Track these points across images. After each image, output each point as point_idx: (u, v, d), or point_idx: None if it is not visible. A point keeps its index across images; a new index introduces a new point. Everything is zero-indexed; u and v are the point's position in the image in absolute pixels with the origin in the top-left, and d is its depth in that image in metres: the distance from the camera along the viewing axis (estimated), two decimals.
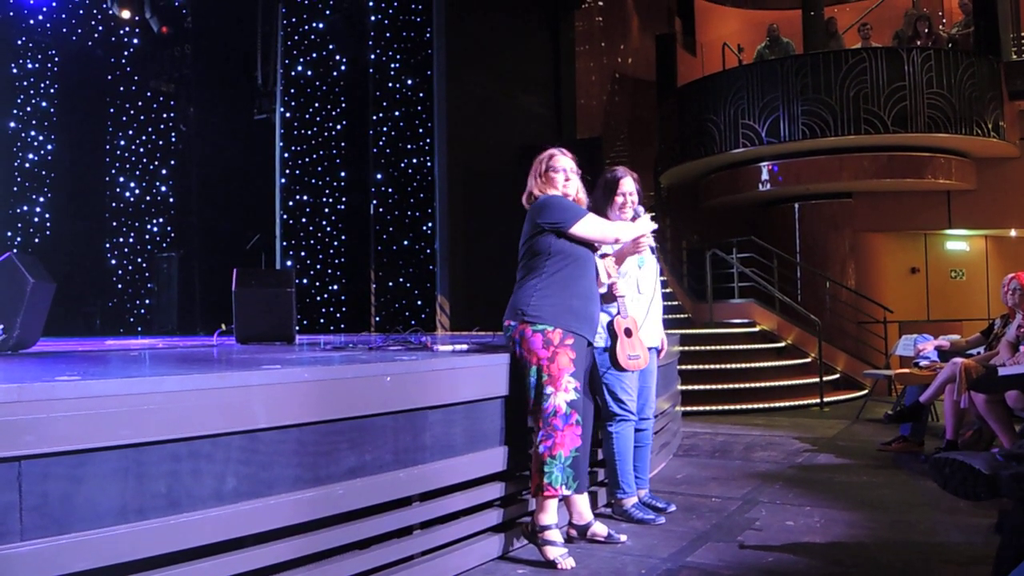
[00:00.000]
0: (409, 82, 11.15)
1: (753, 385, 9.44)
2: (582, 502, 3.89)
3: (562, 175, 3.90)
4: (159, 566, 2.36)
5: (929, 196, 11.57)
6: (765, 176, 11.44)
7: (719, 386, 9.30)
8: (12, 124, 10.89)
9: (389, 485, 3.10)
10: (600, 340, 4.22)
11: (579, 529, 3.90)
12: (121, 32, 11.85)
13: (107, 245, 11.71)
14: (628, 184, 4.35)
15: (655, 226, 4.10)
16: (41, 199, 11.06)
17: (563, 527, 3.93)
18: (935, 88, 10.55)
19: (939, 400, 6.04)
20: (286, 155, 11.25)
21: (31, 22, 11.13)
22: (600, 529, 3.89)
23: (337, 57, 11.56)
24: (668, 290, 11.91)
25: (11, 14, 10.93)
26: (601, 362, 4.24)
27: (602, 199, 4.35)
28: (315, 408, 2.83)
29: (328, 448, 2.89)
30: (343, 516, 2.92)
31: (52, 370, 2.99)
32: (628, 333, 4.18)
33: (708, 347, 9.96)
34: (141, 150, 11.88)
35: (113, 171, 11.77)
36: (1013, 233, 12.31)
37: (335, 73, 11.55)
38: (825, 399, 9.43)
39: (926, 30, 11.82)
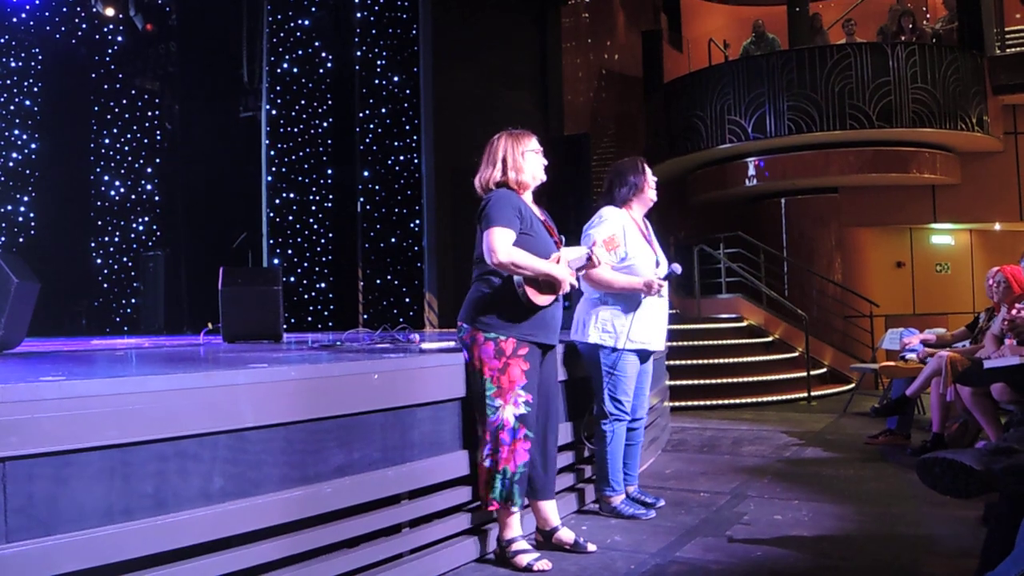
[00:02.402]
0: (396, 79, 11.12)
1: (741, 380, 9.46)
2: (548, 508, 3.73)
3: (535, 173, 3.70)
4: (146, 567, 2.34)
5: (914, 190, 11.63)
6: (751, 172, 11.47)
7: (707, 381, 9.31)
8: None
9: (377, 483, 3.09)
10: (609, 339, 4.19)
11: (545, 534, 3.75)
12: (105, 30, 11.77)
13: (92, 244, 11.64)
14: (648, 168, 4.42)
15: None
16: (25, 198, 10.98)
17: (531, 534, 3.79)
18: (919, 83, 10.60)
19: (925, 393, 6.07)
20: (272, 153, 11.20)
21: (14, 20, 11.04)
22: (567, 535, 3.71)
23: (323, 54, 11.52)
24: None
25: None
26: (605, 362, 4.23)
27: (637, 185, 4.33)
28: (302, 406, 2.82)
29: (316, 447, 2.88)
30: (332, 515, 2.91)
31: (37, 370, 2.97)
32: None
33: (696, 342, 9.97)
34: (126, 148, 11.81)
35: (98, 170, 11.70)
36: (997, 227, 12.39)
37: (321, 70, 11.51)
38: (812, 393, 9.47)
39: (910, 25, 11.88)
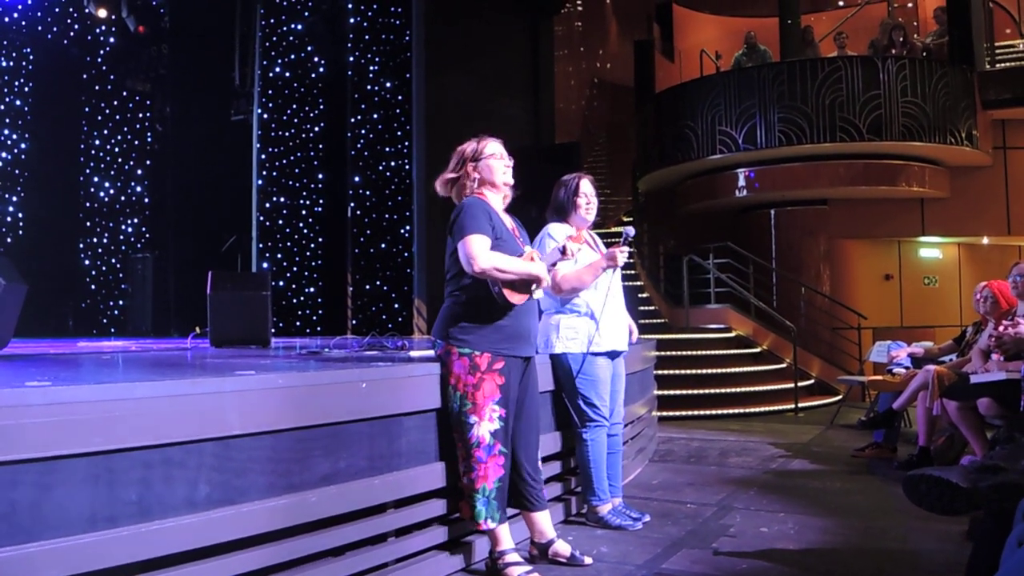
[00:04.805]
0: (388, 85, 11.13)
1: (729, 390, 9.48)
2: (542, 520, 3.68)
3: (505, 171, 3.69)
4: (130, 574, 2.32)
5: (903, 204, 11.68)
6: (742, 182, 11.51)
7: (695, 391, 9.32)
8: None
9: (363, 492, 3.08)
10: (575, 346, 4.24)
11: (540, 548, 3.69)
12: (97, 31, 11.75)
13: (81, 245, 11.60)
14: (587, 185, 4.38)
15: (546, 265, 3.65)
16: (14, 198, 10.93)
17: (523, 542, 3.74)
18: (910, 97, 10.65)
19: (912, 407, 6.09)
20: (263, 156, 11.18)
21: (6, 20, 11.01)
22: (563, 548, 3.65)
23: (315, 59, 11.51)
24: (645, 295, 11.95)
25: None
26: (575, 368, 4.24)
27: (567, 203, 4.35)
28: (289, 415, 2.81)
29: (302, 455, 2.87)
30: (317, 523, 2.90)
31: (22, 375, 2.95)
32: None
33: (684, 352, 9.97)
34: (116, 150, 11.78)
35: (88, 171, 11.66)
36: (985, 241, 12.46)
37: (313, 75, 11.50)
38: (800, 405, 9.49)
39: (901, 39, 11.94)
